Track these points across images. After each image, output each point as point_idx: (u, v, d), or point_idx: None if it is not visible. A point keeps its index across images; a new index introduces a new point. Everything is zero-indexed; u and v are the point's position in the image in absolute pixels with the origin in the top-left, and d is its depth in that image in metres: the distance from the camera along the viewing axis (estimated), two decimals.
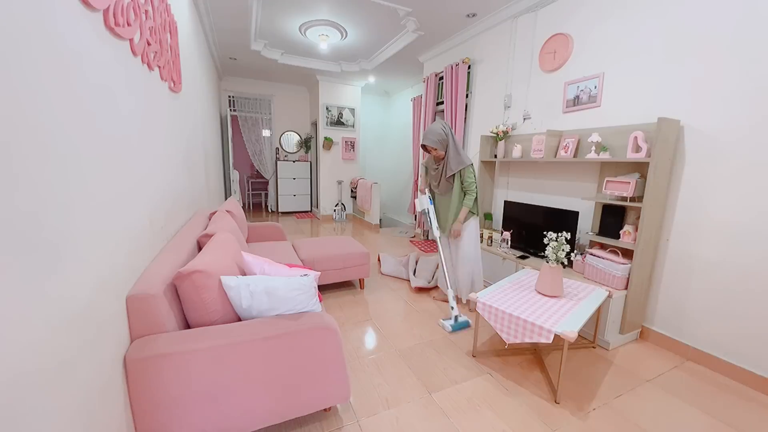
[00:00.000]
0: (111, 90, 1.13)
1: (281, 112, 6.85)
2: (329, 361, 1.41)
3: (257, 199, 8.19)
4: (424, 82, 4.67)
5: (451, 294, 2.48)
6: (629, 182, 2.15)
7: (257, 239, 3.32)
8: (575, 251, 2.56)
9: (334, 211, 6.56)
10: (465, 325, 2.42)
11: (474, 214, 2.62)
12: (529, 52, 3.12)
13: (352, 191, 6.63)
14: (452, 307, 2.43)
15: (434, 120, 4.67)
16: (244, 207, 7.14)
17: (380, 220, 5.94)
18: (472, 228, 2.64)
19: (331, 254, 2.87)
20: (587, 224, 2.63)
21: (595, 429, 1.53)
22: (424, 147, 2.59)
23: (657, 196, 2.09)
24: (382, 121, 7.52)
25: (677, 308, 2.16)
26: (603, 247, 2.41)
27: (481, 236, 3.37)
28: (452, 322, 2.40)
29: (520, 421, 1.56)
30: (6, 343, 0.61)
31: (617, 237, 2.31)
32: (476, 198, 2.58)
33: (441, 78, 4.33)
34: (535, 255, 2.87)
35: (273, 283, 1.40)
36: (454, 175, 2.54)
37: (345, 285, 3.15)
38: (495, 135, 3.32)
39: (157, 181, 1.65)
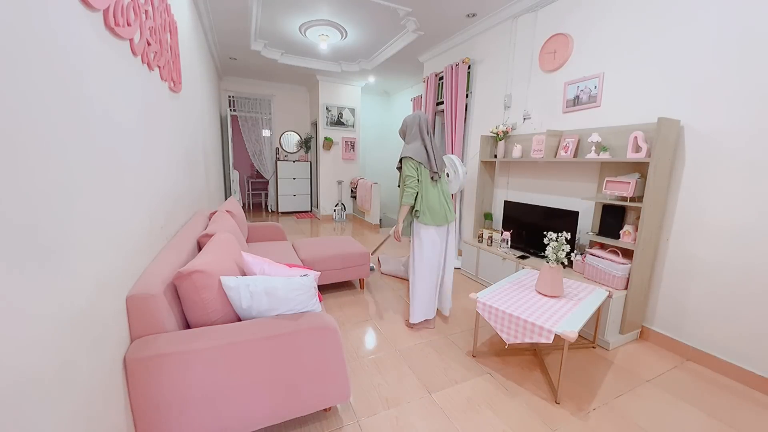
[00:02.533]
0: (110, 90, 1.13)
1: (281, 112, 6.85)
2: (329, 361, 1.41)
3: (257, 199, 8.19)
4: (424, 82, 4.67)
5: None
6: (629, 182, 2.15)
7: (257, 239, 3.32)
8: (575, 251, 2.56)
9: (334, 211, 6.56)
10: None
11: (420, 218, 2.26)
12: (529, 52, 3.12)
13: (352, 191, 6.63)
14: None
15: (434, 120, 4.67)
16: (244, 207, 7.14)
17: (380, 220, 5.94)
18: (415, 235, 2.32)
19: (331, 254, 2.87)
20: (587, 224, 2.63)
21: (595, 429, 1.53)
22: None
23: (657, 196, 2.09)
24: (382, 121, 7.51)
25: (677, 308, 2.16)
26: (603, 247, 2.41)
27: (481, 236, 3.37)
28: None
29: (520, 421, 1.56)
30: (6, 344, 0.61)
31: (617, 237, 2.31)
32: (420, 197, 2.23)
33: (441, 78, 4.32)
34: (535, 255, 2.87)
35: (273, 283, 1.40)
36: (400, 167, 2.35)
37: (345, 285, 3.15)
38: (495, 135, 3.32)
39: (157, 181, 1.64)
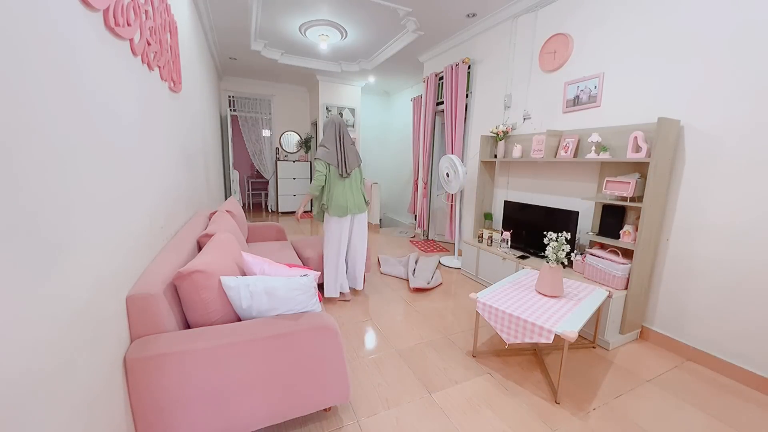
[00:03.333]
0: (110, 90, 1.13)
1: (281, 112, 6.85)
2: (329, 361, 1.41)
3: (257, 199, 8.20)
4: (424, 82, 4.67)
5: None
6: (629, 182, 2.15)
7: (257, 239, 3.32)
8: (575, 251, 2.56)
9: None
10: None
11: (328, 210, 2.64)
12: (529, 52, 3.11)
13: None
14: None
15: (434, 120, 4.67)
16: (244, 207, 7.14)
17: (380, 220, 5.94)
18: (325, 223, 2.74)
19: None
20: (587, 224, 2.63)
21: (595, 429, 1.53)
22: None
23: (657, 196, 2.09)
24: (382, 121, 7.51)
25: (677, 308, 2.16)
26: (603, 247, 2.41)
27: (481, 236, 3.37)
28: None
29: (520, 421, 1.56)
30: (6, 344, 0.61)
31: (617, 237, 2.31)
32: (327, 190, 2.61)
33: (441, 78, 4.33)
34: (535, 255, 2.87)
35: (273, 283, 1.40)
36: None
37: None
38: (495, 135, 3.32)
39: (157, 181, 1.65)
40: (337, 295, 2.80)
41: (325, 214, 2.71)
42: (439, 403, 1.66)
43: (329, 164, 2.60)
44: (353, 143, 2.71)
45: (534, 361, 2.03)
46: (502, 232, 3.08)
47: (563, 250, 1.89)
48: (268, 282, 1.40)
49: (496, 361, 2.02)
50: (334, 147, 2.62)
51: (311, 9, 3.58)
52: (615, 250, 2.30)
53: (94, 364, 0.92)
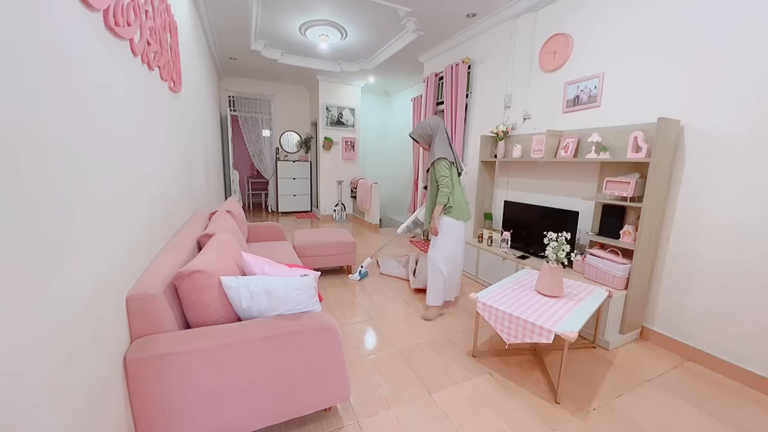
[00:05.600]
0: (111, 90, 1.13)
1: (281, 112, 6.85)
2: (329, 361, 1.41)
3: (257, 199, 8.19)
4: (424, 82, 4.67)
5: (367, 261, 3.34)
6: (629, 182, 2.15)
7: (257, 239, 3.33)
8: (575, 251, 2.56)
9: (334, 211, 6.56)
10: (365, 274, 3.31)
11: (451, 213, 2.47)
12: (529, 52, 3.11)
13: (352, 191, 6.63)
14: (361, 266, 3.29)
15: None
16: (244, 207, 7.13)
17: (380, 220, 5.94)
18: (443, 227, 2.51)
19: (323, 242, 3.25)
20: (587, 224, 2.63)
21: (595, 429, 1.53)
22: (413, 138, 2.65)
23: (657, 196, 2.09)
24: (382, 121, 7.51)
25: (677, 308, 2.16)
26: (603, 247, 2.41)
27: (481, 236, 3.37)
28: (357, 275, 3.25)
29: (520, 421, 1.56)
30: (6, 343, 0.61)
31: (617, 237, 2.31)
32: (451, 194, 2.43)
33: (441, 78, 4.33)
34: (535, 255, 2.87)
35: (273, 283, 1.40)
36: (429, 169, 2.53)
37: (337, 271, 3.43)
38: (495, 135, 3.32)
39: (156, 181, 1.64)
40: (441, 304, 2.60)
41: (444, 218, 2.48)
42: (439, 403, 1.66)
43: (452, 164, 2.44)
44: None
45: (534, 361, 2.03)
46: (502, 232, 3.07)
47: (563, 250, 1.89)
48: (269, 282, 1.40)
49: (496, 361, 2.02)
50: (449, 145, 2.46)
51: (311, 9, 3.58)
52: (615, 250, 2.30)
53: (94, 364, 0.92)
